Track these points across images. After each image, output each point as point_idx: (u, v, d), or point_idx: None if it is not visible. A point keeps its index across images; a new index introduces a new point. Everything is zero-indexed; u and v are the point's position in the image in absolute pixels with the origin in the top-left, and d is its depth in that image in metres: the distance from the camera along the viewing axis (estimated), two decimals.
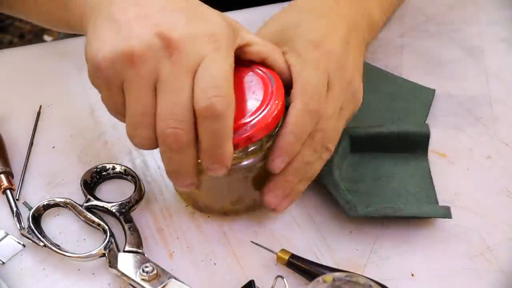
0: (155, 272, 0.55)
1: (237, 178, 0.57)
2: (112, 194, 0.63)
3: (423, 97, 0.76)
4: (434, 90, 0.77)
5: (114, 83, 0.51)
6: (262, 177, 0.58)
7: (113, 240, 0.57)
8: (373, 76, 0.78)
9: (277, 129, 0.55)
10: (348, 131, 0.64)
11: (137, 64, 0.49)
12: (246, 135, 0.52)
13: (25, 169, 0.65)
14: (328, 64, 0.58)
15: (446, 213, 0.60)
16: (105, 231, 0.58)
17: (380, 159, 0.66)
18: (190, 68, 0.50)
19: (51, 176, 0.65)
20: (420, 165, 0.65)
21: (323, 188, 0.64)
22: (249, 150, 0.55)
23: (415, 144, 0.66)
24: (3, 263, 0.57)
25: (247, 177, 0.58)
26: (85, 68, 0.52)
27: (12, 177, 0.64)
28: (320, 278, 0.48)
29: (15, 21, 2.04)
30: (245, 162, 0.56)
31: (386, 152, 0.66)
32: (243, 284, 0.55)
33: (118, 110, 0.53)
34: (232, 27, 0.54)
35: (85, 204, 0.61)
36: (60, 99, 0.73)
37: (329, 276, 0.48)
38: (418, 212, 0.60)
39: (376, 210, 0.59)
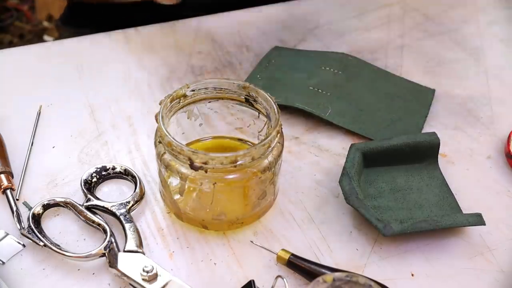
0: (155, 272, 0.55)
1: (223, 190, 0.57)
2: (112, 194, 0.63)
3: (423, 97, 0.76)
4: (434, 90, 0.77)
5: None
6: (248, 194, 0.58)
7: (113, 240, 0.57)
8: (373, 76, 0.78)
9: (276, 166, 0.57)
10: (359, 148, 0.64)
11: None
12: None
13: (25, 169, 0.65)
14: None
15: (479, 220, 0.59)
16: (105, 231, 0.58)
17: (394, 172, 0.65)
18: None
19: (51, 176, 0.65)
20: (433, 174, 0.65)
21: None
22: (237, 163, 0.55)
23: (426, 154, 0.66)
24: (3, 263, 0.57)
25: (233, 191, 0.58)
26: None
27: (12, 177, 0.64)
28: (320, 278, 0.48)
29: (15, 21, 2.04)
30: (232, 176, 0.56)
31: (397, 164, 0.66)
32: (243, 284, 0.55)
33: None
34: None
35: (85, 204, 0.61)
36: (60, 99, 0.73)
37: (329, 276, 0.48)
38: (453, 223, 0.59)
39: (411, 226, 0.58)
